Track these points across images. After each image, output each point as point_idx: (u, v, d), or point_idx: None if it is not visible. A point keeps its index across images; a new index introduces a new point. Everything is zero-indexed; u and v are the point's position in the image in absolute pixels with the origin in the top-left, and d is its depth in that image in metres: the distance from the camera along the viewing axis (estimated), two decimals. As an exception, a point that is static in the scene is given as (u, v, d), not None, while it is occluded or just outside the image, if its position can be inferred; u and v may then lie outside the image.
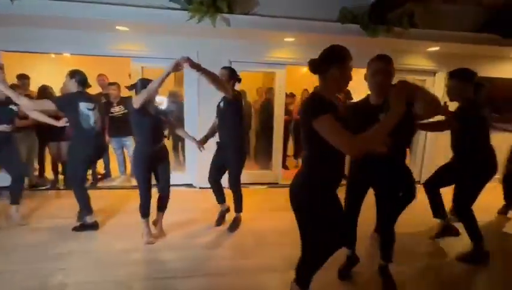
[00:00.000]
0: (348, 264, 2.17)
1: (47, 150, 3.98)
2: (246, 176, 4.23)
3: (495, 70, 4.46)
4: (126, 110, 3.98)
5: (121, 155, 4.29)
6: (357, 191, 2.04)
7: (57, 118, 2.95)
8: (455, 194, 2.42)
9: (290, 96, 5.11)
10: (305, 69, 6.32)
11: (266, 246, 2.61)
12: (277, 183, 4.43)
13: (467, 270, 2.34)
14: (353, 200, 2.05)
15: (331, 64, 1.39)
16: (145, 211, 2.52)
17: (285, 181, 4.46)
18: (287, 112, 4.72)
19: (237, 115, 2.65)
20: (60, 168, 4.06)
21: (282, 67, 4.16)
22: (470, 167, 2.32)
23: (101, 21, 3.08)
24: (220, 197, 2.94)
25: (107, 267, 2.23)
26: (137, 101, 2.26)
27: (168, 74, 2.18)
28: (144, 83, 2.36)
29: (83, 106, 2.57)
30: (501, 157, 2.37)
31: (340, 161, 1.50)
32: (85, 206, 2.72)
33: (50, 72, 5.30)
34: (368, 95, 1.93)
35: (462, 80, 2.24)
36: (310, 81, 5.57)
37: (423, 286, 2.13)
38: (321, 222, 1.50)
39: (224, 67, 2.68)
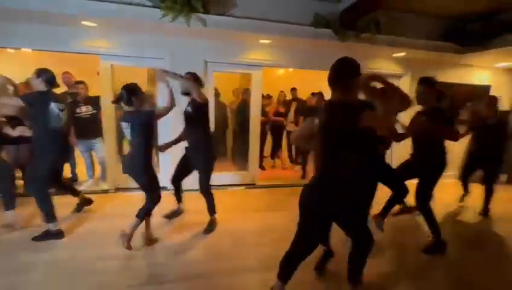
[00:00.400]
0: (324, 258, 2.22)
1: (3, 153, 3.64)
2: (223, 177, 4.21)
3: (455, 76, 4.83)
4: (94, 111, 3.79)
5: (89, 158, 4.05)
6: None
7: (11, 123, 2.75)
8: (417, 191, 2.60)
9: (267, 97, 5.15)
10: (281, 71, 6.51)
11: (244, 247, 2.60)
12: (254, 184, 4.43)
13: (427, 259, 2.52)
14: None
15: (352, 76, 1.54)
16: (148, 213, 2.49)
17: (262, 182, 4.48)
18: (264, 113, 4.75)
19: (205, 119, 2.72)
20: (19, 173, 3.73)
21: (258, 69, 4.17)
22: (430, 166, 2.54)
23: (63, 15, 2.88)
24: (178, 197, 3.05)
25: (74, 277, 2.08)
26: (162, 113, 2.39)
27: (170, 90, 2.45)
28: (130, 89, 2.30)
29: (54, 106, 2.45)
30: (452, 156, 2.62)
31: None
32: (48, 213, 2.53)
33: (7, 69, 4.87)
34: None
35: (429, 86, 2.46)
36: (287, 83, 5.70)
37: (389, 276, 2.24)
38: (321, 221, 1.62)
39: (188, 73, 2.72)
